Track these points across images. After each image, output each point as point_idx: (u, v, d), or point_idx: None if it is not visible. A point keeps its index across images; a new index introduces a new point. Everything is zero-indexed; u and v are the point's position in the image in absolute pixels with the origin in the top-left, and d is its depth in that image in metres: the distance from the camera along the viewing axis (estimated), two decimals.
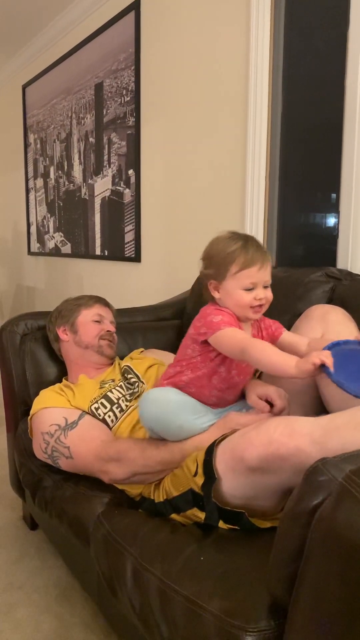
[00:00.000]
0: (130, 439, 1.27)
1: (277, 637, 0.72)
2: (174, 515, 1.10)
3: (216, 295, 1.14)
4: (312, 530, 0.66)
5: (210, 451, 1.02)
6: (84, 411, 1.38)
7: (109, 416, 1.35)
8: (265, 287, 1.12)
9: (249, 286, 1.10)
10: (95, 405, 1.38)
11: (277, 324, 1.23)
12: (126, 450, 1.22)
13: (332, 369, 0.95)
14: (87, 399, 1.41)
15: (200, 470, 1.03)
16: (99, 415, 1.36)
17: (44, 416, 1.37)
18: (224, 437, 1.03)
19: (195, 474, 1.04)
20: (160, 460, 1.16)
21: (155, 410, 1.13)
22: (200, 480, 1.02)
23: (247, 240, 1.11)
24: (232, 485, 0.97)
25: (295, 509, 0.69)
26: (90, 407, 1.38)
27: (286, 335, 1.22)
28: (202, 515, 1.04)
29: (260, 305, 1.12)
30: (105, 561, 1.06)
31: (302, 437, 0.86)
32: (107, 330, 1.56)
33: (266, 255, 1.11)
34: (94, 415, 1.36)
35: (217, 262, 1.12)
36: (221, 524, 1.02)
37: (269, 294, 1.13)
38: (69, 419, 1.34)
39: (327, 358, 0.95)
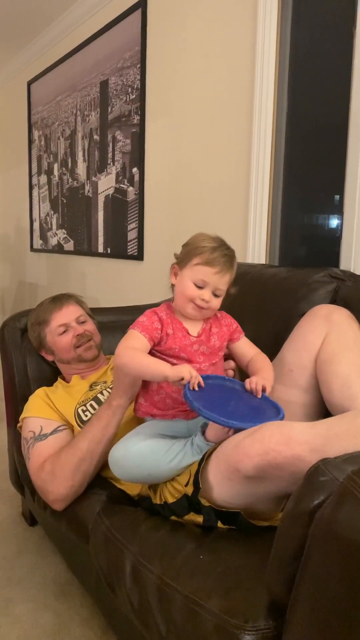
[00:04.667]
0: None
1: (275, 636, 0.72)
2: (173, 517, 1.10)
3: (173, 280, 1.18)
4: (313, 531, 0.66)
5: (201, 462, 1.02)
6: (64, 423, 1.38)
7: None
8: (216, 295, 1.14)
9: (200, 283, 1.12)
10: (83, 408, 1.38)
11: (238, 327, 1.25)
12: (57, 457, 1.24)
13: (191, 393, 1.01)
14: (74, 401, 1.41)
15: (191, 480, 1.04)
16: (86, 416, 1.36)
17: (27, 423, 1.40)
18: (215, 448, 1.03)
19: (187, 484, 1.05)
20: (97, 434, 1.20)
21: (119, 470, 1.11)
22: (190, 490, 1.03)
23: (221, 246, 1.13)
24: (229, 494, 0.97)
25: (295, 509, 0.69)
26: (77, 409, 1.38)
27: (242, 342, 1.25)
28: (200, 519, 1.04)
29: (201, 307, 1.13)
30: (104, 558, 1.06)
31: (300, 446, 0.84)
32: (77, 335, 1.49)
33: (229, 268, 1.13)
34: (78, 419, 1.37)
35: (187, 250, 1.15)
36: (220, 524, 1.02)
37: (214, 302, 1.14)
38: (44, 429, 1.35)
39: (195, 379, 1.01)
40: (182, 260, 1.15)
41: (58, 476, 1.22)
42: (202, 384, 1.03)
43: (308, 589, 0.66)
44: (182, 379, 1.01)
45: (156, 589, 0.89)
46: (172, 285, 1.18)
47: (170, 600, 0.86)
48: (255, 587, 0.80)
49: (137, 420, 1.23)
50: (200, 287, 1.12)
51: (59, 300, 1.56)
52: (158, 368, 1.05)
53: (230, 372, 1.26)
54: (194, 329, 1.17)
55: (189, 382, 1.02)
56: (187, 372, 1.02)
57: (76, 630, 1.30)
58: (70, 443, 1.26)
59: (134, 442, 1.10)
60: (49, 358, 1.57)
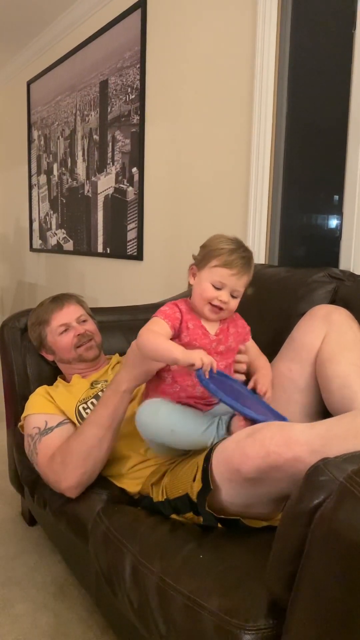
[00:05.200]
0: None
1: (275, 635, 0.72)
2: (173, 515, 1.10)
3: (191, 280, 1.19)
4: (313, 530, 0.66)
5: (208, 458, 1.01)
6: (67, 418, 1.38)
7: None
8: (234, 296, 1.15)
9: (218, 285, 1.13)
10: (84, 405, 1.38)
11: (247, 330, 1.27)
12: (66, 447, 1.23)
13: (207, 376, 1.01)
14: (75, 399, 1.41)
15: (198, 476, 1.02)
16: (87, 414, 1.35)
17: (29, 421, 1.39)
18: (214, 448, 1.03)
19: (194, 479, 1.04)
20: (105, 420, 1.20)
21: (146, 420, 1.12)
22: (197, 486, 1.02)
23: (239, 249, 1.14)
24: (229, 494, 0.97)
25: (295, 508, 0.69)
26: (78, 407, 1.38)
27: (250, 343, 1.28)
28: (200, 519, 1.04)
29: (220, 308, 1.14)
30: (104, 558, 1.06)
31: (300, 447, 0.84)
32: (78, 335, 1.49)
33: (247, 270, 1.14)
34: (79, 416, 1.36)
35: (205, 251, 1.16)
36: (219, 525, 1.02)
37: (232, 304, 1.15)
38: (48, 423, 1.35)
39: (210, 364, 1.02)
40: (201, 261, 1.16)
41: (69, 465, 1.21)
42: (215, 369, 1.03)
43: (308, 588, 0.67)
44: (193, 365, 1.01)
45: (156, 588, 0.90)
46: (190, 286, 1.19)
47: (170, 600, 0.86)
48: (256, 587, 0.80)
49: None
50: (218, 289, 1.13)
51: (60, 300, 1.55)
52: (170, 349, 1.05)
53: (243, 366, 1.27)
54: (212, 328, 1.18)
55: (201, 368, 1.01)
56: (198, 358, 1.01)
57: (76, 630, 1.30)
58: (78, 431, 1.25)
59: (165, 402, 1.11)
60: (50, 358, 1.57)
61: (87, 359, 1.50)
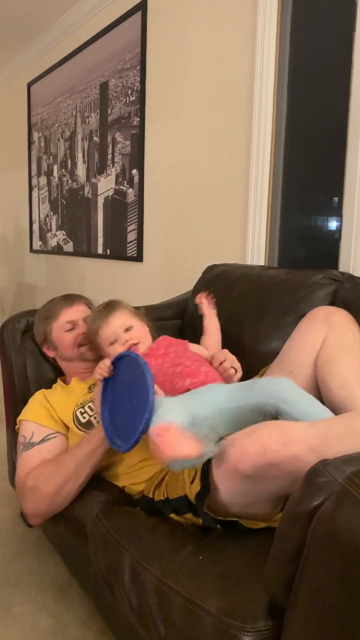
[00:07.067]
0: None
1: (274, 637, 0.72)
2: (172, 515, 1.10)
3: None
4: (312, 532, 0.66)
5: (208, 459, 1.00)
6: (55, 431, 1.39)
7: (95, 418, 1.36)
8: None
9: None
10: (81, 410, 1.39)
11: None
12: (41, 471, 1.25)
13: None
14: (73, 403, 1.42)
15: (197, 478, 1.02)
16: (84, 418, 1.36)
17: (21, 426, 1.43)
18: None
19: (192, 480, 1.04)
20: (84, 457, 1.23)
21: None
22: (195, 488, 1.02)
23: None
24: (227, 494, 0.97)
25: (295, 509, 0.69)
26: (75, 411, 1.39)
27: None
28: (199, 520, 1.04)
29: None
30: (103, 559, 1.06)
31: (299, 445, 0.84)
32: (83, 334, 1.49)
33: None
34: (77, 420, 1.37)
35: None
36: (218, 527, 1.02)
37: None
38: (34, 436, 1.36)
39: (104, 372, 1.19)
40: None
41: (39, 493, 1.23)
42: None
43: (307, 589, 0.67)
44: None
45: (155, 590, 0.90)
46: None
47: (169, 601, 0.86)
48: (255, 588, 0.80)
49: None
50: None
51: (70, 298, 1.58)
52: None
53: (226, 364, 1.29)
54: None
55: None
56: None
57: (75, 631, 1.29)
58: (58, 460, 1.26)
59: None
60: (51, 354, 1.56)
61: (88, 358, 1.50)
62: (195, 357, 1.27)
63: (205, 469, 1.00)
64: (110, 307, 1.36)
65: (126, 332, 1.32)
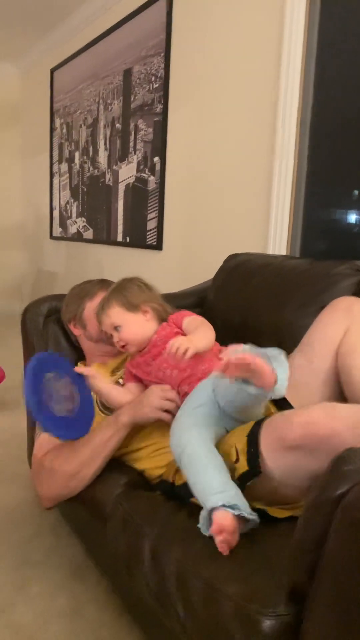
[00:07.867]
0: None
1: (295, 622, 0.73)
2: (194, 499, 1.10)
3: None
4: (336, 519, 0.66)
5: (253, 442, 0.99)
6: None
7: None
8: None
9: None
10: None
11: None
12: (58, 454, 1.28)
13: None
14: None
15: (243, 460, 1.00)
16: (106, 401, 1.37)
17: None
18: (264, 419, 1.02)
19: (237, 460, 1.02)
20: (99, 445, 1.23)
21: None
22: (241, 469, 1.00)
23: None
24: (271, 465, 0.96)
25: (319, 497, 0.70)
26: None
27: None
28: None
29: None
30: (122, 541, 1.07)
31: (341, 420, 0.87)
32: None
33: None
34: (100, 403, 1.38)
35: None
36: None
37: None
38: None
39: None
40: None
41: (55, 476, 1.25)
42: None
43: (329, 577, 0.67)
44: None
45: (175, 573, 0.90)
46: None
47: (189, 585, 0.87)
48: (276, 573, 0.80)
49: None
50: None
51: (107, 283, 1.58)
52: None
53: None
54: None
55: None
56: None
57: (91, 611, 1.32)
58: (74, 444, 1.27)
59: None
60: (77, 332, 1.56)
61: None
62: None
63: (253, 451, 0.99)
64: (102, 303, 1.36)
65: (115, 331, 1.32)
